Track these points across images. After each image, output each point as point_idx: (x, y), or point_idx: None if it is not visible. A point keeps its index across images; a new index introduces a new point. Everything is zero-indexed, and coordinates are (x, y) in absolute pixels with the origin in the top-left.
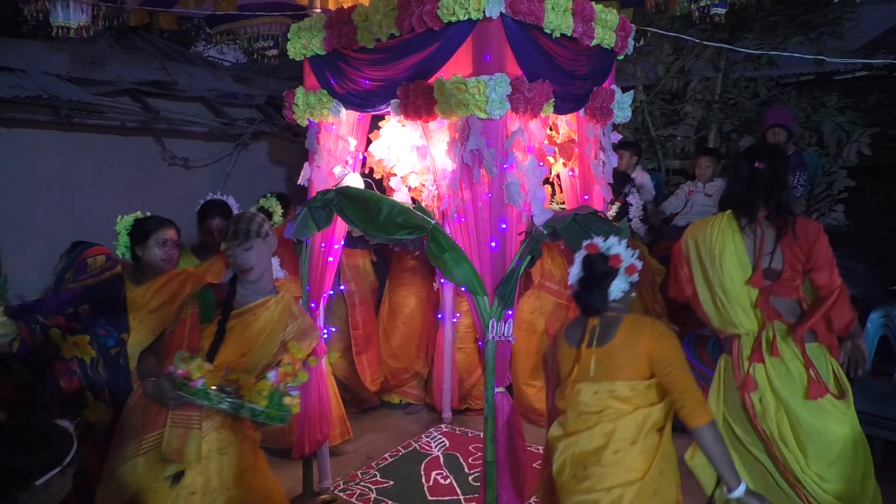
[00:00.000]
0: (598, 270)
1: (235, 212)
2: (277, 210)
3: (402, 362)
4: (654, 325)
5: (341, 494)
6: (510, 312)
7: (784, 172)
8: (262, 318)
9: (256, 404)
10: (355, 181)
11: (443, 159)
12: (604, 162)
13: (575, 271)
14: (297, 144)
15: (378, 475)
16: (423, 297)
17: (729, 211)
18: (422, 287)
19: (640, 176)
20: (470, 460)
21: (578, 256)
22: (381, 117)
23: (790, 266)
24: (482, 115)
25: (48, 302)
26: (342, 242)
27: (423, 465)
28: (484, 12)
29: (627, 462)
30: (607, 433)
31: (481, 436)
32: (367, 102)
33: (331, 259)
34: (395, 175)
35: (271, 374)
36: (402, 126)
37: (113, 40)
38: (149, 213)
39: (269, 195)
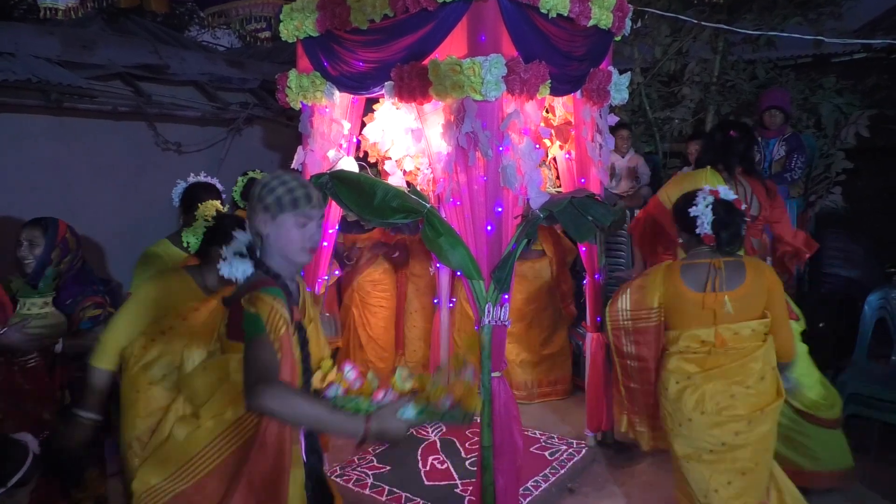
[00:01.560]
0: (732, 213)
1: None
2: None
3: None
4: (766, 264)
5: (338, 480)
6: (506, 296)
7: (752, 142)
8: (310, 305)
9: (468, 405)
10: (350, 165)
11: (438, 142)
12: (601, 144)
13: (707, 216)
14: (291, 129)
15: (374, 460)
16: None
17: (709, 167)
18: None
19: (635, 159)
20: (467, 445)
21: (704, 202)
22: (376, 100)
23: (762, 211)
24: (477, 97)
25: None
26: (337, 227)
27: (419, 449)
28: None
29: (765, 387)
30: (749, 366)
31: (478, 420)
32: (361, 85)
33: (325, 244)
34: (390, 158)
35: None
36: (397, 109)
37: (105, 24)
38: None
39: (256, 170)
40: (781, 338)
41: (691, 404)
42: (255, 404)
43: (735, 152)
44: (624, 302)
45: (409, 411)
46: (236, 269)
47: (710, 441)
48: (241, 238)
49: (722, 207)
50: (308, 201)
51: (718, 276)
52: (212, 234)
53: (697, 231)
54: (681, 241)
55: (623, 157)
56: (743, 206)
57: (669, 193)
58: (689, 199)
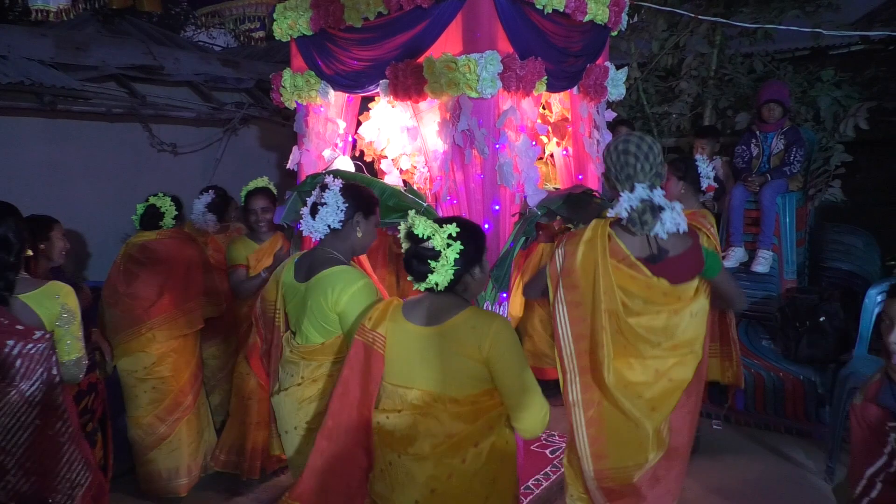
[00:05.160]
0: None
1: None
2: (171, 211)
3: None
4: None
5: None
6: (505, 295)
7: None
8: None
9: None
10: (345, 164)
11: (434, 140)
12: (598, 140)
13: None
14: (287, 128)
15: None
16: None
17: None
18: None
19: None
20: None
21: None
22: (371, 98)
23: None
24: (473, 95)
25: None
26: None
27: None
28: None
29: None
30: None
31: None
32: (356, 83)
33: None
34: (386, 157)
35: None
36: (392, 107)
37: (101, 26)
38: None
39: (160, 194)
40: None
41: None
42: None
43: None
44: None
45: None
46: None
47: None
48: None
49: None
50: None
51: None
52: None
53: None
54: None
55: None
56: None
57: None
58: None
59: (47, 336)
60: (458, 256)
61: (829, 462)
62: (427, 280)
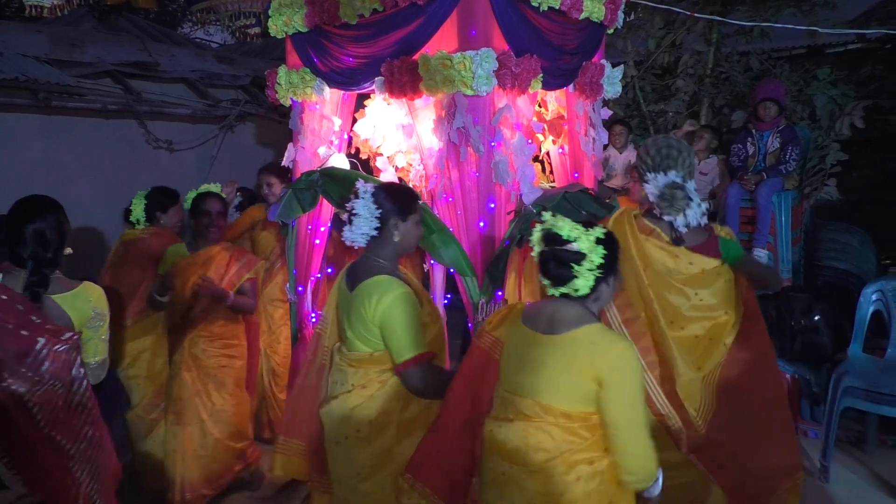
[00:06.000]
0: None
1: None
2: (139, 209)
3: None
4: None
5: None
6: (500, 293)
7: None
8: None
9: None
10: (341, 162)
11: (429, 138)
12: (594, 139)
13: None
14: (283, 125)
15: None
16: None
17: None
18: None
19: (632, 155)
20: None
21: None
22: (367, 96)
23: None
24: (468, 92)
25: None
26: (329, 224)
27: None
28: None
29: None
30: None
31: None
32: (351, 80)
33: (317, 242)
34: (382, 155)
35: None
36: (388, 104)
37: (97, 22)
38: None
39: (143, 193)
40: None
41: None
42: None
43: None
44: None
45: None
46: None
47: None
48: None
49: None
50: None
51: None
52: None
53: None
54: None
55: (620, 153)
56: None
57: None
58: None
59: (75, 337)
60: (602, 261)
61: (824, 461)
62: (568, 284)
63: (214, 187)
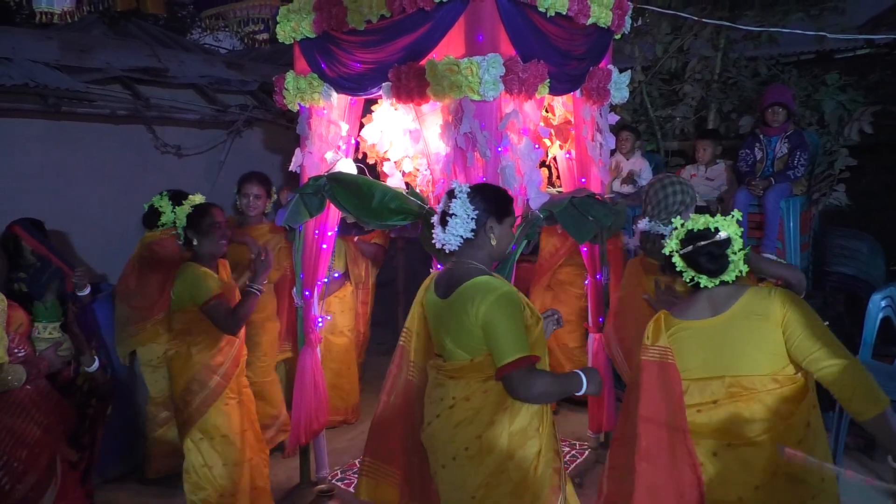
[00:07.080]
0: None
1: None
2: (168, 211)
3: None
4: None
5: (339, 484)
6: None
7: None
8: None
9: None
10: (348, 166)
11: (436, 143)
12: (601, 144)
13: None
14: (291, 131)
15: None
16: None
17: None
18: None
19: (638, 162)
20: None
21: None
22: (374, 101)
23: None
24: (475, 97)
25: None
26: (336, 229)
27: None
28: None
29: None
30: None
31: None
32: (359, 86)
33: (324, 246)
34: (389, 160)
35: None
36: (395, 110)
37: (107, 28)
38: None
39: (164, 194)
40: None
41: None
42: None
43: None
44: None
45: None
46: None
47: None
48: None
49: None
50: None
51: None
52: None
53: None
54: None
55: (627, 159)
56: None
57: None
58: None
59: None
60: (740, 238)
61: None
62: (727, 272)
63: (199, 198)
